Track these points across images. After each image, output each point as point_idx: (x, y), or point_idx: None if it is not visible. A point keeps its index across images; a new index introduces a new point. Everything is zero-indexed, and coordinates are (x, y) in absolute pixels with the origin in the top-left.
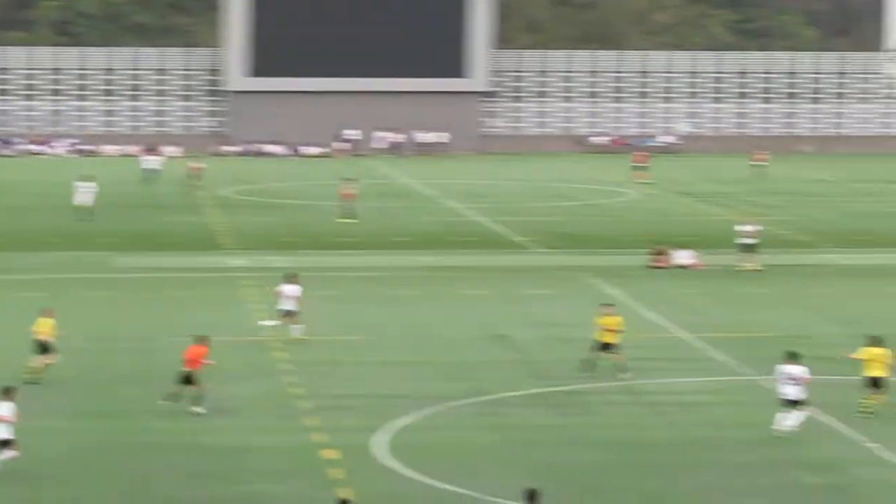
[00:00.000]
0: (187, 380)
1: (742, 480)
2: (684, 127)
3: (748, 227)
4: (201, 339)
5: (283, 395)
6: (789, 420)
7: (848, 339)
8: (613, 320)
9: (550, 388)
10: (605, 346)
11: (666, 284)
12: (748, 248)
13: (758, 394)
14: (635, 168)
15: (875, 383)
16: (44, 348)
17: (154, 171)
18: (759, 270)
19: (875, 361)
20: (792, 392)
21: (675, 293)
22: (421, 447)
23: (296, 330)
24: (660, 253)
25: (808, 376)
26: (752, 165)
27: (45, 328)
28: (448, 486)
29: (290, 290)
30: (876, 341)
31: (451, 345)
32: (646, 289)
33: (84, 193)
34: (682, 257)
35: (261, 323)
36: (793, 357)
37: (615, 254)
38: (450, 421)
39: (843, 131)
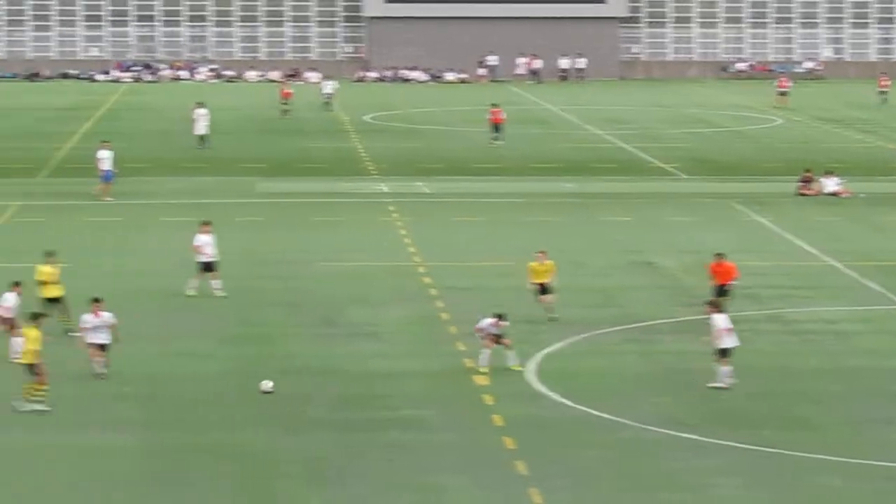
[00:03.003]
0: None
1: None
2: (827, 52)
3: None
4: None
5: (432, 320)
6: None
7: None
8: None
9: (698, 316)
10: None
11: (814, 212)
12: None
13: None
14: (780, 94)
15: None
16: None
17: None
18: None
19: None
20: None
21: (824, 221)
22: (570, 373)
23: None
24: (808, 180)
25: None
26: (879, 92)
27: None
28: (598, 413)
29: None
30: None
31: (596, 272)
32: (794, 216)
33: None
34: (831, 184)
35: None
36: None
37: (759, 181)
38: (598, 347)
39: None
